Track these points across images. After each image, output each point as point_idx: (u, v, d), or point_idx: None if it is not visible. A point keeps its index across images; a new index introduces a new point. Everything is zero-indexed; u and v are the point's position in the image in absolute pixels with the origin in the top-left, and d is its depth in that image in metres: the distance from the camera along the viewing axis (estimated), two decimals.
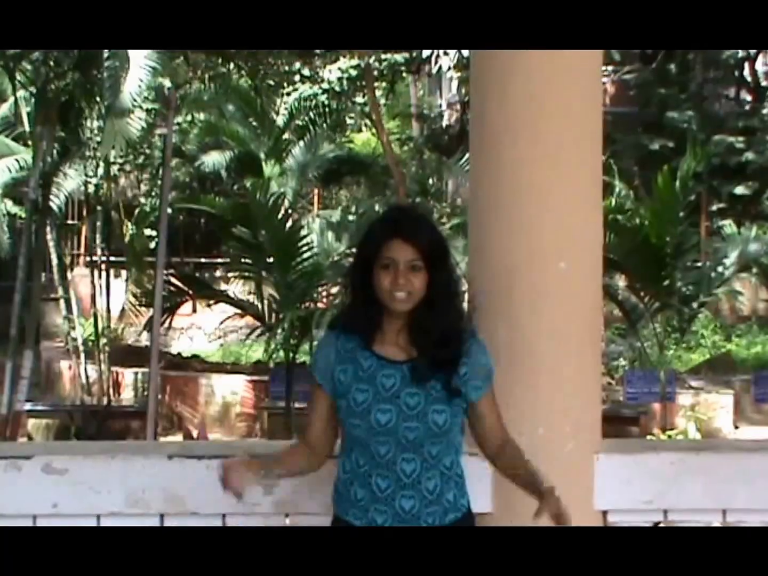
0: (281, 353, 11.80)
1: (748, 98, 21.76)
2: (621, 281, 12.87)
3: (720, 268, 11.87)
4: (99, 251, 16.58)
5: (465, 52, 14.22)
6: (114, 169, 17.52)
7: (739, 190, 19.08)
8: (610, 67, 19.66)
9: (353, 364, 2.55)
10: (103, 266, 16.41)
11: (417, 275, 2.48)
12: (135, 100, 13.65)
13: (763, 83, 21.92)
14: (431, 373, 2.52)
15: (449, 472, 2.59)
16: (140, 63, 13.32)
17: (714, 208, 19.36)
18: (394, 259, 2.48)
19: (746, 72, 21.44)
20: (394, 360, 2.54)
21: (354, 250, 2.76)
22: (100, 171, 15.85)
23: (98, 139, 14.94)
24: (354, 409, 2.52)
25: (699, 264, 13.29)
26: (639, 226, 11.55)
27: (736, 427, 13.78)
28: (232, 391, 14.70)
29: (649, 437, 11.39)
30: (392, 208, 2.90)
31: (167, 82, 16.87)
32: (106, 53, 13.38)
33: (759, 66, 21.78)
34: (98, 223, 16.41)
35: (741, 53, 20.63)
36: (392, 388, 2.52)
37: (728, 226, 13.61)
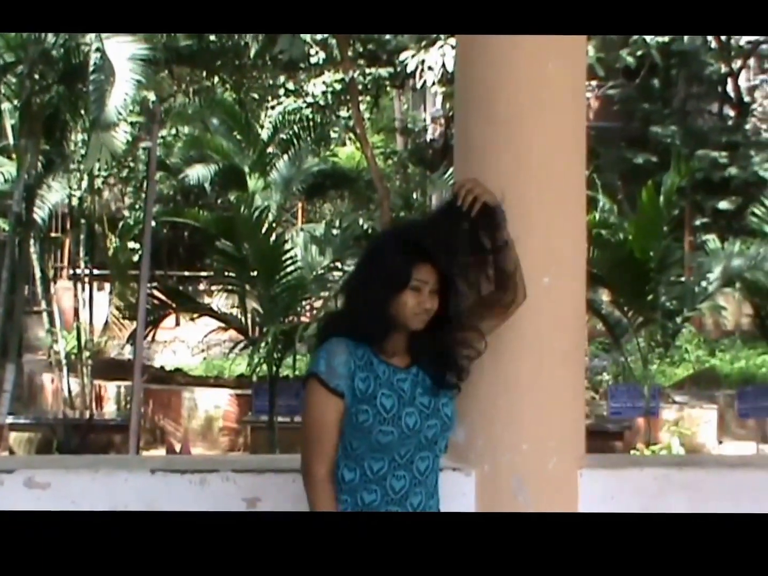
0: (264, 367, 11.77)
1: (731, 113, 21.91)
2: (605, 296, 12.91)
3: (704, 283, 11.91)
4: (82, 264, 16.55)
5: (449, 68, 14.27)
6: (98, 182, 17.52)
7: (723, 204, 19.21)
8: (594, 83, 19.77)
9: (370, 372, 2.58)
10: (86, 279, 16.38)
11: (435, 299, 2.60)
12: (120, 114, 13.61)
13: (746, 99, 22.08)
14: (440, 377, 2.64)
15: (441, 460, 2.70)
16: (125, 76, 13.29)
17: (698, 222, 19.47)
18: (424, 283, 2.57)
19: (729, 87, 21.59)
20: (401, 366, 2.64)
21: (366, 263, 2.67)
22: (84, 184, 15.84)
23: (83, 152, 14.94)
24: (384, 416, 2.54)
25: (683, 279, 13.35)
26: (623, 240, 11.58)
27: (720, 442, 13.82)
28: (215, 405, 14.66)
29: (632, 452, 11.39)
30: (414, 228, 2.81)
31: (152, 96, 16.85)
32: (91, 67, 13.37)
33: (742, 81, 21.94)
34: (82, 236, 16.39)
35: (724, 69, 20.80)
36: (408, 391, 2.61)
37: (712, 240, 13.67)
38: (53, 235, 18.57)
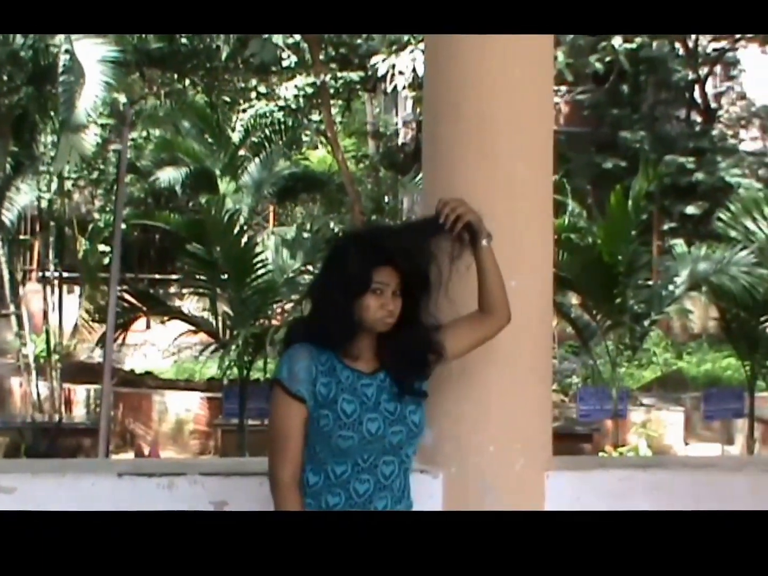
0: (235, 370, 11.76)
1: (698, 120, 22.13)
2: (574, 299, 12.99)
3: (671, 287, 12.00)
4: (52, 267, 16.46)
5: (420, 72, 14.33)
6: (68, 184, 17.44)
7: (690, 209, 19.40)
8: (563, 88, 19.91)
9: (332, 377, 2.58)
10: (55, 282, 16.30)
11: (398, 300, 2.60)
12: (89, 116, 13.57)
13: (713, 105, 22.31)
14: (406, 381, 2.63)
15: (409, 466, 2.69)
16: (95, 78, 13.25)
17: (665, 227, 19.65)
18: (386, 285, 2.57)
19: (696, 94, 21.82)
20: (366, 371, 2.62)
21: (327, 267, 2.67)
22: (54, 186, 15.77)
23: (52, 154, 14.86)
24: (344, 421, 2.54)
25: (650, 282, 13.45)
26: (591, 244, 11.64)
27: (687, 444, 13.96)
28: (185, 408, 14.62)
29: (600, 454, 11.49)
30: (374, 231, 2.85)
31: (122, 98, 16.79)
32: (61, 68, 13.32)
33: (708, 88, 22.18)
34: (51, 239, 16.30)
35: (691, 75, 21.02)
36: (372, 397, 2.60)
37: (679, 245, 13.79)
38: (22, 237, 18.48)
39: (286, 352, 2.61)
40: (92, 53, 12.95)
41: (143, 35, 16.20)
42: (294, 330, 2.71)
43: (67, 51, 13.21)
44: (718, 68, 22.42)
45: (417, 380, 2.66)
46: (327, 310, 2.58)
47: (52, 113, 14.30)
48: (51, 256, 16.39)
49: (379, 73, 16.10)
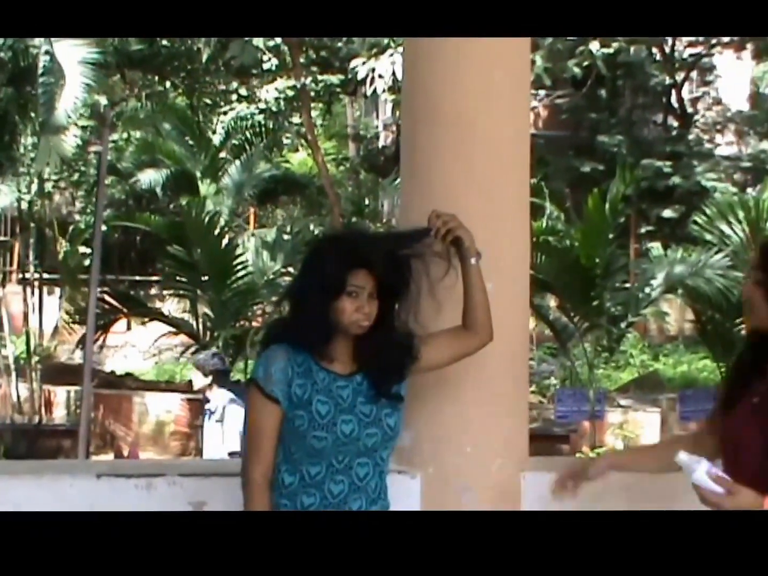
0: None
1: (675, 124, 22.32)
2: (552, 301, 13.07)
3: (647, 289, 12.09)
4: (32, 268, 16.42)
5: (399, 75, 14.42)
6: (48, 185, 17.37)
7: (667, 213, 19.55)
8: (542, 92, 20.05)
9: (308, 378, 2.60)
10: (36, 283, 16.25)
11: (373, 303, 2.62)
12: (70, 117, 13.55)
13: (689, 110, 22.50)
14: (382, 384, 2.65)
15: (385, 468, 2.71)
16: (75, 80, 13.24)
17: (642, 230, 19.80)
18: (361, 288, 2.60)
19: (673, 98, 22.01)
20: (342, 373, 2.65)
21: (304, 270, 2.69)
22: (34, 187, 15.70)
23: (32, 155, 14.82)
24: (318, 422, 2.56)
25: (627, 285, 13.54)
26: (569, 247, 11.71)
27: None
28: (166, 409, 14.62)
29: (578, 455, 11.59)
30: (350, 234, 2.88)
31: (103, 100, 16.79)
32: (41, 69, 13.31)
33: (685, 93, 22.37)
34: (31, 240, 16.26)
35: (668, 80, 21.21)
36: (348, 399, 2.62)
37: (656, 248, 13.91)
38: (2, 238, 18.46)
39: (263, 353, 2.64)
40: (72, 55, 12.93)
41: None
42: (272, 331, 2.75)
43: (47, 52, 13.18)
44: (694, 73, 22.61)
45: (393, 383, 2.68)
46: (304, 311, 2.61)
47: (32, 114, 14.26)
48: (31, 257, 16.35)
49: (359, 77, 16.14)
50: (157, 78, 18.87)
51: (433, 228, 2.74)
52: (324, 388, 2.61)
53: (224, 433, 6.71)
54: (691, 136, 21.39)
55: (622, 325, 12.08)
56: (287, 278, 12.03)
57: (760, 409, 2.44)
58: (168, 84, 19.23)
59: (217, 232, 11.70)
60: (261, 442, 2.59)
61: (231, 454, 6.49)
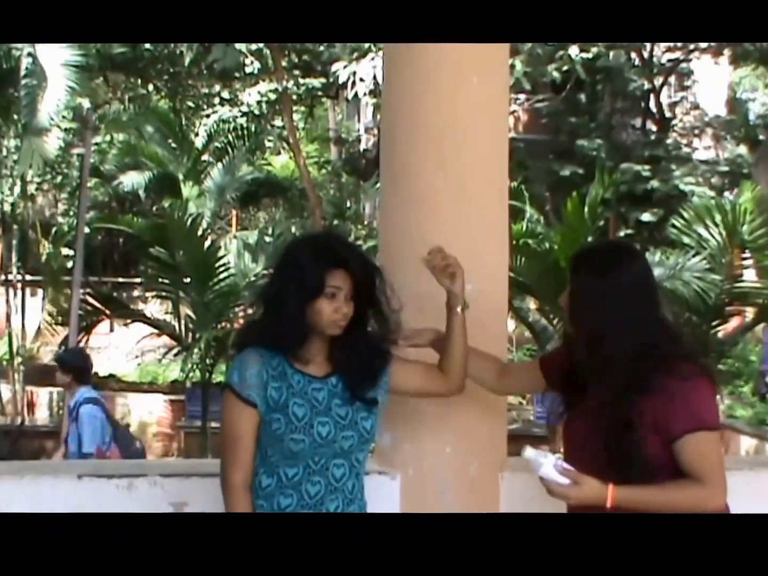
0: (198, 373, 11.83)
1: (654, 128, 22.47)
2: (531, 304, 13.16)
3: None
4: (15, 270, 16.42)
5: (380, 79, 14.51)
6: (31, 187, 17.39)
7: (645, 216, 19.62)
8: (522, 96, 20.16)
9: (283, 381, 2.60)
10: (18, 285, 16.26)
11: (350, 304, 2.64)
12: (52, 119, 13.57)
13: (668, 114, 22.67)
14: (358, 386, 2.67)
15: (361, 470, 2.73)
16: (58, 82, 13.27)
17: (621, 233, 19.90)
18: (339, 289, 2.60)
19: (651, 103, 22.17)
20: (317, 376, 2.66)
21: (280, 271, 2.66)
22: (17, 189, 15.73)
23: (15, 157, 14.84)
24: (295, 425, 2.57)
25: None
26: (549, 250, 11.77)
27: None
28: (149, 410, 14.66)
29: (557, 455, 11.69)
30: (326, 236, 2.87)
31: (86, 102, 16.82)
32: (23, 71, 13.33)
33: (663, 98, 22.53)
34: (14, 242, 16.27)
35: (647, 85, 21.39)
36: (324, 401, 2.63)
37: None
38: None
39: (237, 357, 2.63)
40: (55, 57, 12.94)
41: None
42: (246, 334, 2.73)
43: (29, 54, 13.21)
44: (672, 78, 22.75)
45: (367, 386, 2.68)
46: (280, 313, 2.59)
47: (14, 117, 14.29)
48: (14, 259, 16.37)
49: (341, 80, 16.22)
50: (139, 81, 18.89)
51: (434, 259, 2.77)
52: (300, 390, 2.61)
53: (80, 434, 6.45)
54: (669, 141, 21.50)
55: None
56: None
57: (599, 414, 2.55)
58: (151, 87, 19.25)
59: (199, 234, 11.75)
60: (239, 446, 2.59)
61: (85, 455, 6.29)
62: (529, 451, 2.51)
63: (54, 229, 17.65)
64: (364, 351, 2.69)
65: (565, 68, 16.79)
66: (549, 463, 2.49)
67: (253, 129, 18.41)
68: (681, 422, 2.47)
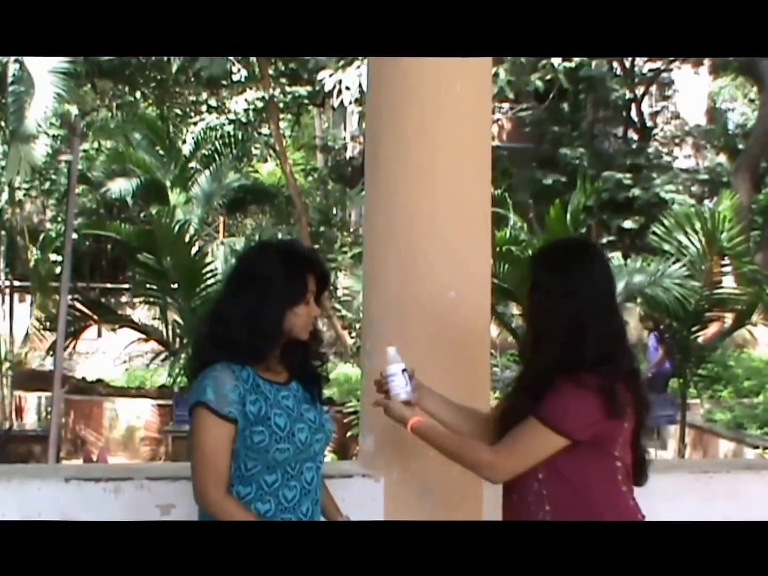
0: (185, 378, 11.89)
1: (635, 137, 22.68)
2: (515, 309, 13.30)
3: None
4: (3, 276, 16.45)
5: (364, 87, 14.63)
6: (19, 194, 17.44)
7: (627, 224, 19.79)
8: (505, 105, 20.32)
9: (259, 393, 2.59)
10: (6, 290, 16.29)
11: (317, 307, 2.68)
12: (40, 126, 13.64)
13: (649, 123, 22.89)
14: (316, 388, 2.74)
15: (322, 471, 2.77)
16: (46, 89, 13.34)
17: (603, 240, 20.07)
18: (312, 293, 2.64)
19: (633, 112, 22.39)
20: (281, 382, 2.67)
21: (249, 283, 2.59)
22: (5, 196, 15.77)
23: (3, 163, 14.89)
24: (279, 435, 2.57)
25: None
26: (531, 257, 11.91)
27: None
28: (136, 415, 14.70)
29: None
30: (290, 243, 2.84)
31: (74, 109, 16.90)
32: (10, 78, 13.40)
33: (645, 107, 22.75)
34: (2, 248, 16.29)
35: (628, 95, 21.62)
36: (294, 407, 2.65)
37: (616, 258, 14.12)
38: None
39: (207, 374, 2.56)
40: (43, 64, 13.03)
41: None
42: (207, 349, 2.64)
43: (17, 61, 13.29)
44: (653, 88, 22.99)
45: (322, 387, 2.75)
46: (255, 324, 2.55)
47: (2, 123, 14.34)
48: (2, 265, 16.38)
49: (327, 89, 16.33)
50: (127, 88, 18.98)
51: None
52: (274, 400, 2.61)
53: None
54: (650, 149, 21.70)
55: None
56: None
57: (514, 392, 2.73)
58: (138, 94, 19.34)
59: (186, 240, 11.76)
60: (217, 462, 2.55)
61: None
62: (392, 349, 2.72)
63: (42, 236, 17.67)
64: (311, 354, 2.73)
65: (548, 77, 16.95)
66: (399, 368, 2.71)
67: (240, 136, 18.53)
68: (538, 407, 2.56)
